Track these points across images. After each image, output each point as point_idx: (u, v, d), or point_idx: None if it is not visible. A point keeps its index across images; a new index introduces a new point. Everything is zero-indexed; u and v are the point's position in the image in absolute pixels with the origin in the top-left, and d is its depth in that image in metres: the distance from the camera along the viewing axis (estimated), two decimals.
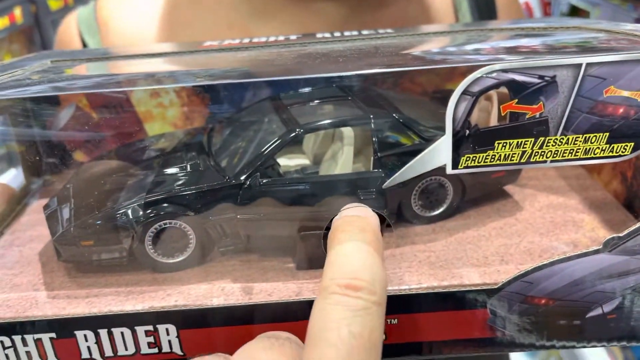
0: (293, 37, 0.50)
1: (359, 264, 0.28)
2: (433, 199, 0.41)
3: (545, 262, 0.34)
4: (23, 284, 0.39)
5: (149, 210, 0.37)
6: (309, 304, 0.35)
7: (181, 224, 0.38)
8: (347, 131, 0.41)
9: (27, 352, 0.36)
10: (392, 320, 0.36)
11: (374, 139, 0.39)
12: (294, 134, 0.39)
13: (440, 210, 0.42)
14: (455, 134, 0.32)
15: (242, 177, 0.38)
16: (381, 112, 0.41)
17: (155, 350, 0.36)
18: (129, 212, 0.37)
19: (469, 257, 0.38)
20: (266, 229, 0.39)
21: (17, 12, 1.54)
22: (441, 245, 0.40)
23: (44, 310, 0.36)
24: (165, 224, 0.38)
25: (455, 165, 0.32)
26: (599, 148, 0.32)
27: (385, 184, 0.36)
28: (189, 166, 0.40)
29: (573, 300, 0.35)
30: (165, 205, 0.37)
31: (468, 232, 0.41)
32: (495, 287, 0.35)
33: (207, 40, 0.51)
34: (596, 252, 0.34)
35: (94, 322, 0.35)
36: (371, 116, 0.40)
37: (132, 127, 0.52)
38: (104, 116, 0.52)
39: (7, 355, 0.36)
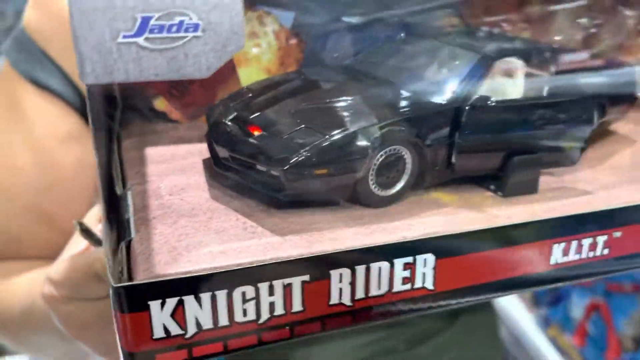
0: None
1: None
2: None
3: None
4: (229, 229, 0.32)
5: (383, 133, 0.33)
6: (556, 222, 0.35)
7: (402, 149, 0.35)
8: (519, 61, 0.41)
9: (271, 304, 0.30)
10: (616, 233, 0.37)
11: (552, 68, 0.40)
12: (489, 59, 0.38)
13: None
14: None
15: (460, 101, 0.36)
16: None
17: (408, 286, 0.32)
18: (365, 134, 0.33)
19: None
20: (479, 154, 0.37)
21: None
22: None
23: (289, 251, 0.30)
24: (392, 149, 0.34)
25: None
26: None
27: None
28: (388, 90, 0.37)
29: None
30: (398, 128, 0.34)
31: None
32: None
33: None
34: None
35: (353, 257, 0.31)
36: (543, 46, 0.41)
37: (225, 72, 0.46)
38: None
39: (244, 311, 0.29)
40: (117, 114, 0.44)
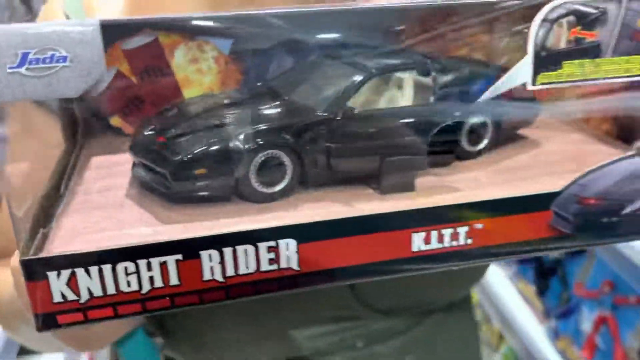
0: None
1: None
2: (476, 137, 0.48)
3: (594, 167, 0.42)
4: (128, 219, 0.39)
5: (260, 140, 0.40)
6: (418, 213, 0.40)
7: (280, 153, 0.41)
8: (409, 75, 0.46)
9: (150, 277, 0.37)
10: (477, 224, 0.42)
11: (434, 82, 0.45)
12: (369, 75, 0.44)
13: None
14: (535, 56, 0.39)
15: (334, 111, 0.42)
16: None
17: (275, 266, 0.38)
18: (242, 140, 0.40)
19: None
20: (354, 158, 0.43)
21: None
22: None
23: (168, 235, 0.37)
24: (269, 153, 0.41)
25: (534, 82, 0.39)
26: (636, 67, 0.41)
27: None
28: (278, 104, 0.43)
29: (614, 199, 0.43)
30: (272, 135, 0.40)
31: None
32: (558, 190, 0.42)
33: None
34: (632, 156, 0.43)
35: (220, 241, 0.37)
36: (429, 61, 0.46)
37: (171, 92, 0.54)
38: (145, 81, 0.53)
39: (128, 282, 0.37)
40: (79, 130, 0.53)
